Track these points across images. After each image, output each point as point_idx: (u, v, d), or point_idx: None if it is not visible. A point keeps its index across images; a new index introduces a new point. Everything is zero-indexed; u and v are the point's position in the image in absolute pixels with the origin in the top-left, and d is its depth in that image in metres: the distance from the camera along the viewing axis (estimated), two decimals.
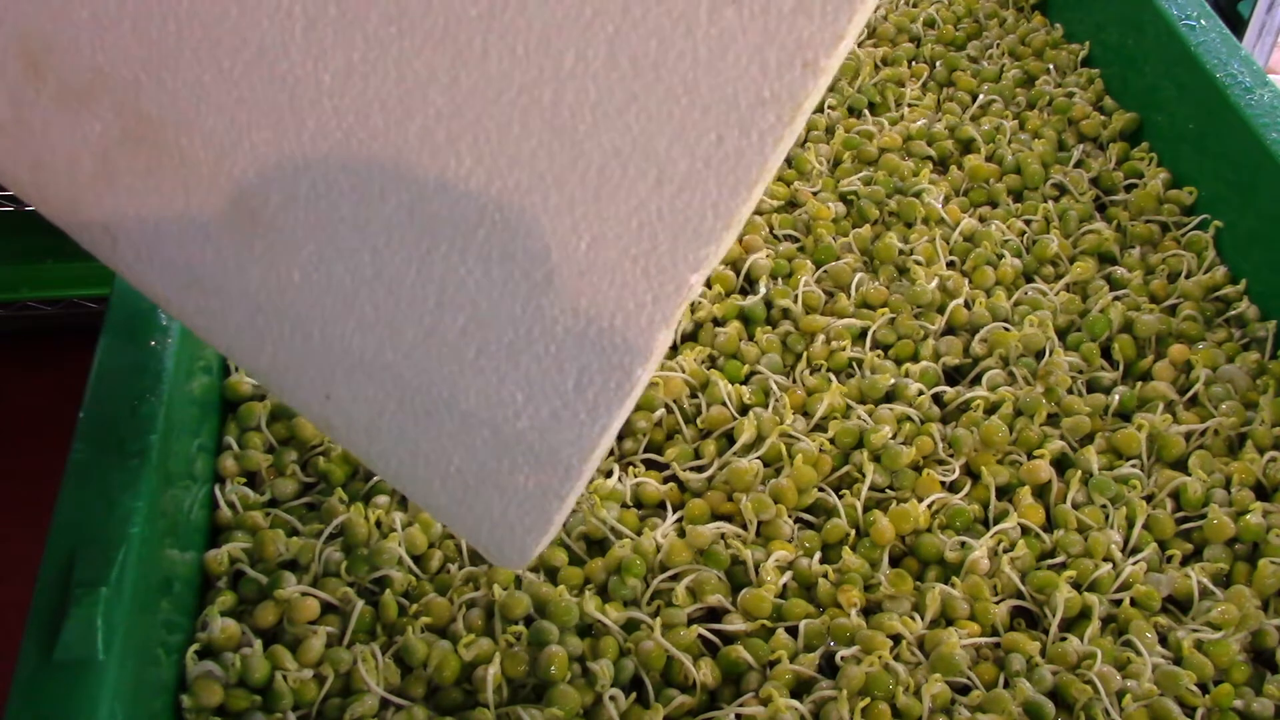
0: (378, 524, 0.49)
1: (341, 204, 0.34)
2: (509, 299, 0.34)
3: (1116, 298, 0.62)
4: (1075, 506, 0.52)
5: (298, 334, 0.36)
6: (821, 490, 0.53)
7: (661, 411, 0.55)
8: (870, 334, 0.60)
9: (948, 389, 0.58)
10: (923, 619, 0.48)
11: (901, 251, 0.64)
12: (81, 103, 0.36)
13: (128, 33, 0.35)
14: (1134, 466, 0.54)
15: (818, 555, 0.51)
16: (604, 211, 0.32)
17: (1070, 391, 0.58)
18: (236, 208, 0.35)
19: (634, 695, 0.45)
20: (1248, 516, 0.51)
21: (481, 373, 0.34)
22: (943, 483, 0.53)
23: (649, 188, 0.32)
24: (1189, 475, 0.54)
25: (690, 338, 0.60)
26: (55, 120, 0.36)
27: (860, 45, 0.80)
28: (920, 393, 0.57)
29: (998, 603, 0.49)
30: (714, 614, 0.49)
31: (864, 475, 0.53)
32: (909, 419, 0.55)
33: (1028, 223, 0.67)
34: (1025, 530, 0.52)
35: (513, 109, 0.32)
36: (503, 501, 0.35)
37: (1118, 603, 0.50)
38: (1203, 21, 0.70)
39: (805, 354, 0.59)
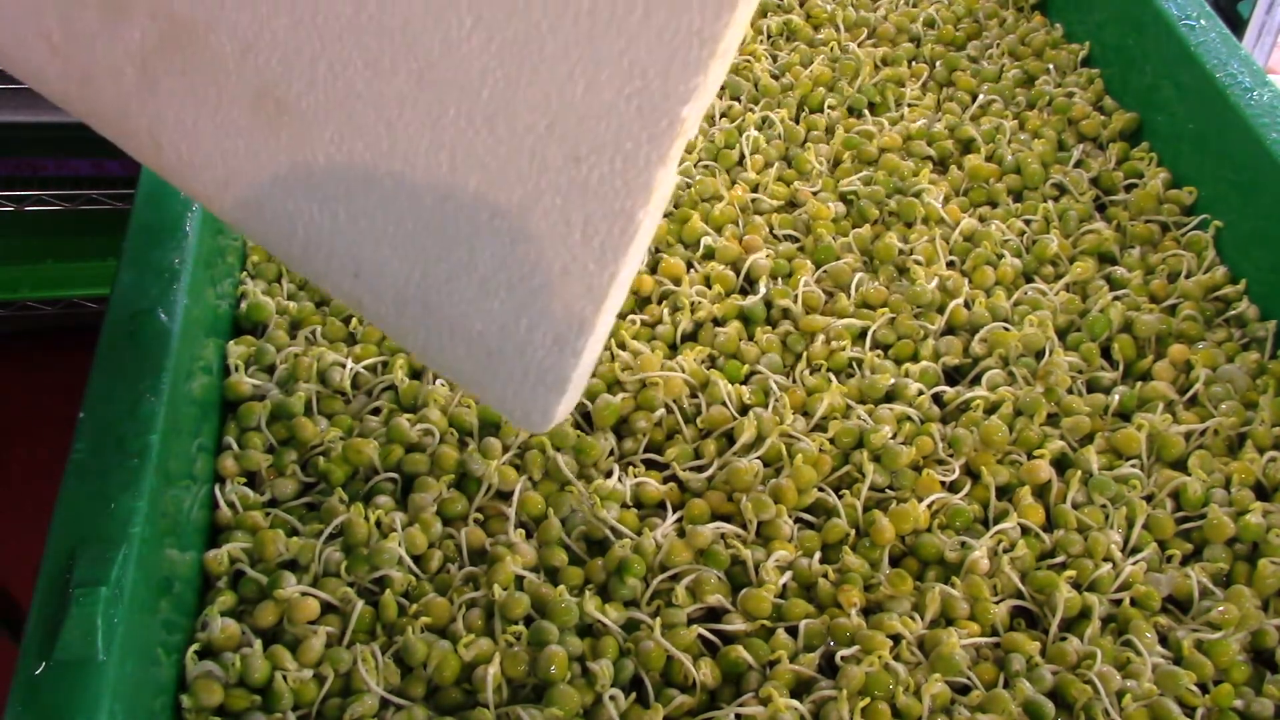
0: (378, 524, 0.49)
1: (356, 81, 0.36)
2: (515, 155, 0.34)
3: (1116, 298, 0.62)
4: (1075, 506, 0.52)
5: (325, 214, 0.37)
6: (821, 490, 0.53)
7: (661, 411, 0.55)
8: (870, 334, 0.60)
9: (948, 389, 0.58)
10: (923, 619, 0.48)
11: (901, 251, 0.64)
12: (120, 13, 0.37)
13: None
14: (1134, 466, 0.54)
15: (818, 555, 0.51)
16: (598, 53, 0.33)
17: (1070, 391, 0.58)
18: (262, 98, 0.37)
19: (634, 695, 0.45)
20: (1248, 516, 0.51)
21: (496, 233, 0.35)
22: (943, 483, 0.53)
23: (637, 22, 0.32)
24: (1189, 475, 0.54)
25: (690, 338, 0.60)
26: (99, 33, 0.38)
27: (860, 45, 0.80)
28: (920, 393, 0.57)
29: (998, 603, 0.49)
30: (714, 614, 0.49)
31: (864, 475, 0.53)
32: (909, 419, 0.55)
33: (1028, 223, 0.67)
34: (1025, 530, 0.52)
35: None
36: (523, 362, 0.36)
37: (1118, 603, 0.50)
38: (1203, 21, 0.70)
39: (805, 354, 0.59)
